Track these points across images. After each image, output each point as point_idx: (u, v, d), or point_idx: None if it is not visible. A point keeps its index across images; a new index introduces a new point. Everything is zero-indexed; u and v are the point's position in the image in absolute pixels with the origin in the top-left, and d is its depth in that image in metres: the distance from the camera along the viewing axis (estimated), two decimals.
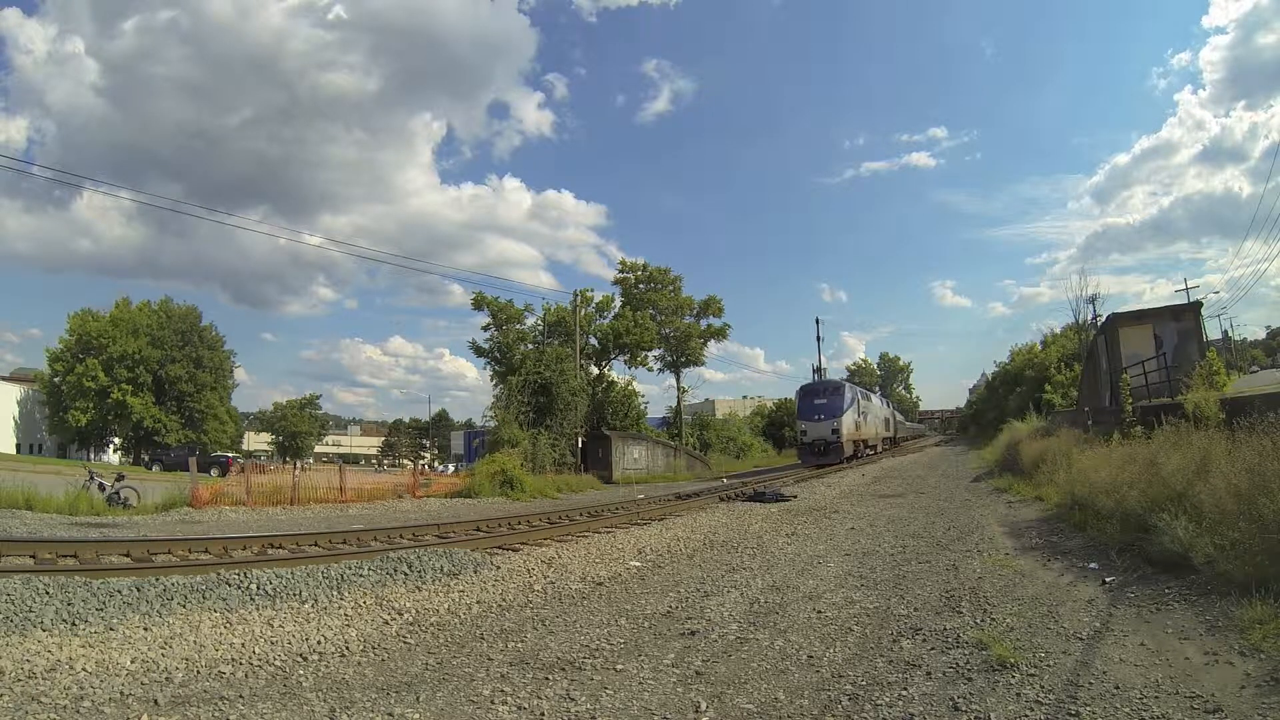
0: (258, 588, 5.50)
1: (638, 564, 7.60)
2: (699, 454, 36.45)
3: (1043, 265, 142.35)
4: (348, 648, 4.59)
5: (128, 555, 7.19)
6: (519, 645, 4.69)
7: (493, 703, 3.61)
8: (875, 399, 37.63)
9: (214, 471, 25.79)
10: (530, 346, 31.86)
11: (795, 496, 14.60)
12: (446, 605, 5.65)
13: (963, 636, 4.49)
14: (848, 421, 26.83)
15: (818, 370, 42.51)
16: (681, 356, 39.24)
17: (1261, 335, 74.43)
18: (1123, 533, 6.84)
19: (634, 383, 37.90)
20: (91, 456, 42.97)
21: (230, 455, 36.79)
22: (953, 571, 6.60)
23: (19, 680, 3.64)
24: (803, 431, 27.32)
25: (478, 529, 10.04)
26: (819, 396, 27.54)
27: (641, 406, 37.75)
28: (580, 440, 26.71)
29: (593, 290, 38.85)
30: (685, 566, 7.45)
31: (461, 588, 6.16)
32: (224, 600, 5.21)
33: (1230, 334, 52.53)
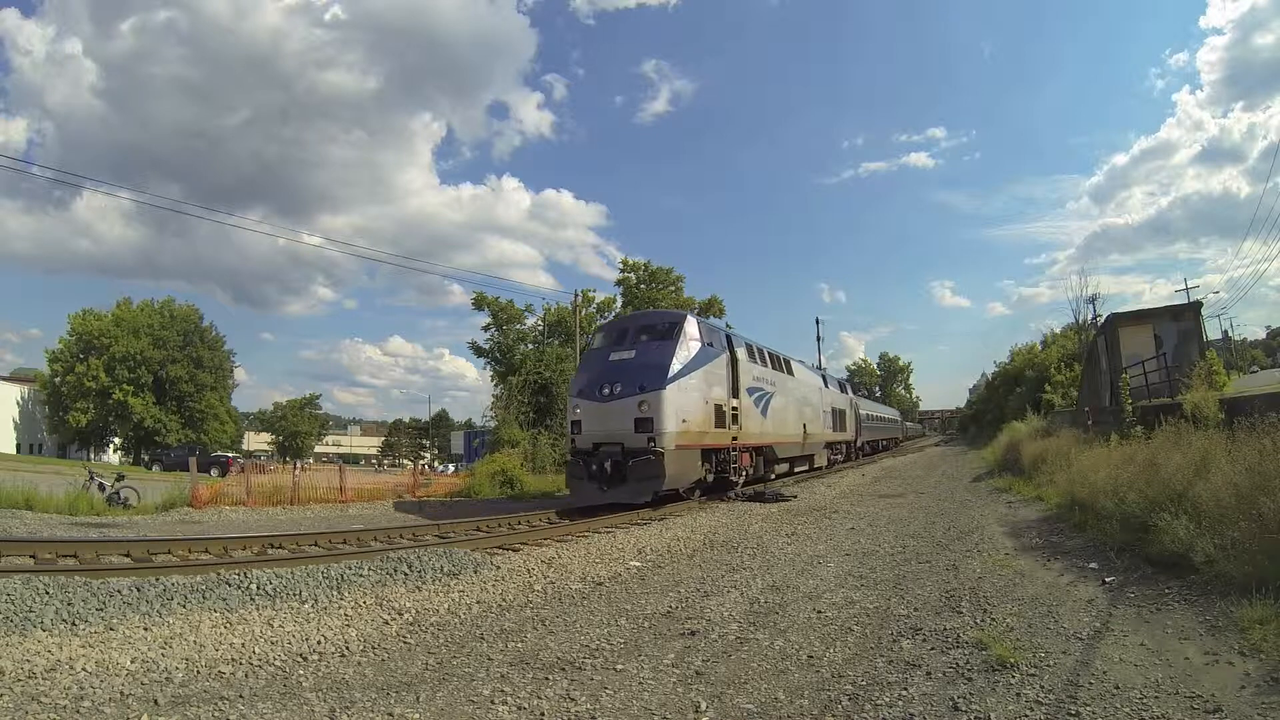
0: (258, 588, 5.50)
1: (638, 564, 7.59)
2: None
3: (1042, 265, 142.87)
4: (348, 648, 4.59)
5: (128, 555, 7.19)
6: (519, 645, 4.69)
7: (493, 703, 3.61)
8: (808, 371, 22.27)
9: (214, 471, 25.79)
10: (530, 346, 31.91)
11: (795, 496, 14.58)
12: (446, 605, 5.65)
13: (963, 636, 4.49)
14: (684, 403, 11.69)
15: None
16: None
17: (1261, 335, 74.42)
18: (1123, 533, 6.85)
19: None
20: (91, 456, 42.99)
21: (230, 455, 36.81)
22: (953, 571, 6.60)
23: (19, 680, 3.63)
24: (574, 423, 12.31)
25: (478, 529, 10.04)
26: (621, 346, 12.61)
27: None
28: None
29: (594, 290, 38.93)
30: (685, 566, 7.44)
31: (461, 588, 6.16)
32: (224, 600, 5.21)
33: (1230, 334, 52.59)
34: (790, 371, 18.92)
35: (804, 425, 19.16)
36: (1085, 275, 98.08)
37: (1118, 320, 19.13)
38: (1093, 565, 6.42)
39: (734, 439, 13.72)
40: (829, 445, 23.12)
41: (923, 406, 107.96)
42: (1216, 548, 5.15)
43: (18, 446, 44.95)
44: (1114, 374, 16.19)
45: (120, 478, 13.39)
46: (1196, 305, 18.84)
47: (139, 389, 42.15)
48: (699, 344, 12.56)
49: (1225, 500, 5.45)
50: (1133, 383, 14.49)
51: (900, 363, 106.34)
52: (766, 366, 16.61)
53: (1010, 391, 44.00)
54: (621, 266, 39.93)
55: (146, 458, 37.98)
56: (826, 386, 24.04)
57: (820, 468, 22.01)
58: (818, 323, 41.95)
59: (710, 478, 13.11)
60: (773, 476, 17.23)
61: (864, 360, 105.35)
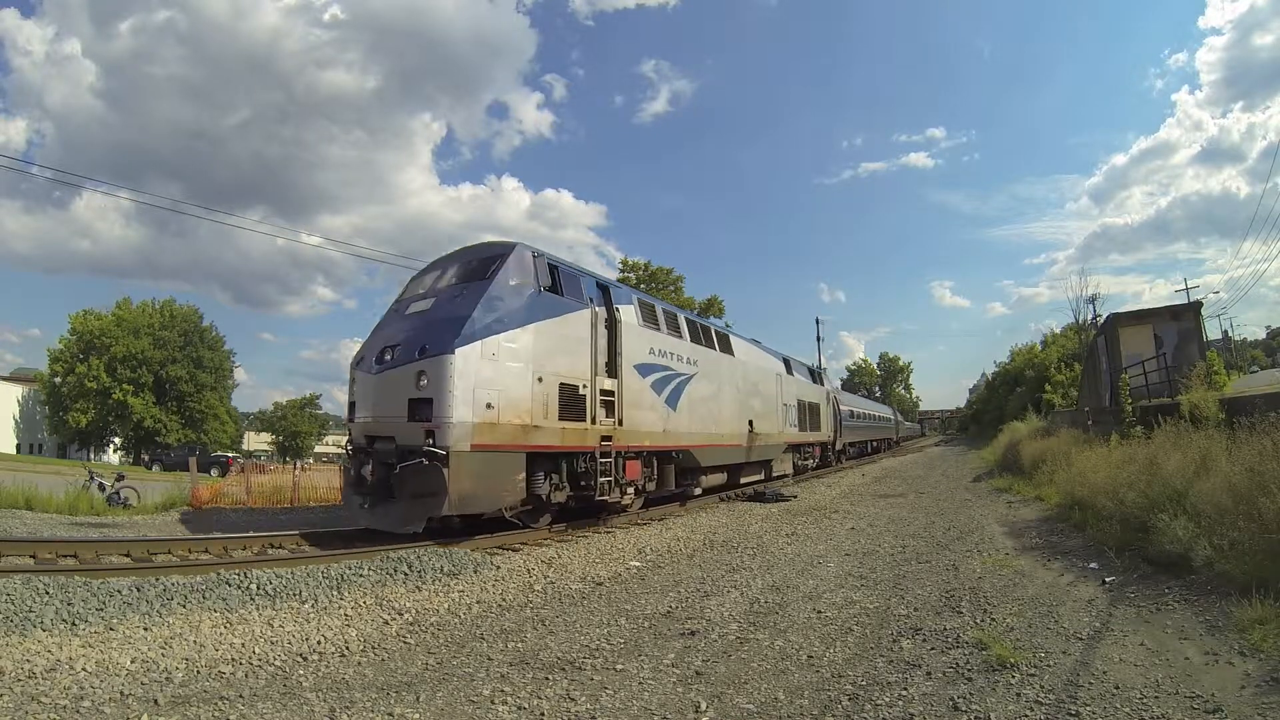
0: (258, 588, 5.50)
1: (638, 564, 7.60)
2: None
3: (1042, 265, 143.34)
4: (348, 648, 4.59)
5: (128, 555, 7.18)
6: (519, 645, 4.69)
7: (493, 703, 3.61)
8: (759, 352, 17.34)
9: (214, 471, 25.79)
10: None
11: (795, 496, 14.60)
12: (446, 605, 5.65)
13: (963, 636, 4.49)
14: (492, 376, 7.76)
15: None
16: None
17: (1261, 335, 74.51)
18: (1122, 533, 6.85)
19: None
20: (91, 456, 43.02)
21: (230, 455, 36.80)
22: (953, 571, 6.60)
23: (19, 680, 3.64)
24: (350, 405, 8.75)
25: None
26: (420, 297, 8.97)
27: None
28: None
29: None
30: (685, 566, 7.45)
31: (461, 588, 6.16)
32: (224, 600, 5.21)
33: (1230, 334, 52.63)
34: (726, 348, 14.63)
35: (749, 421, 14.95)
36: (1085, 275, 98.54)
37: (1118, 320, 19.16)
38: (1093, 565, 6.43)
39: (606, 438, 9.53)
40: (794, 448, 18.82)
41: (923, 406, 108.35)
42: (1216, 548, 5.16)
43: (18, 446, 45.01)
44: (1114, 374, 16.21)
45: (120, 478, 13.37)
46: (1196, 305, 18.87)
47: (139, 389, 42.17)
48: (532, 289, 8.63)
49: (1224, 500, 5.46)
50: (1133, 383, 14.52)
51: (900, 363, 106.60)
52: (680, 337, 12.25)
53: (1010, 391, 44.17)
54: (621, 266, 40.03)
55: (146, 458, 37.97)
56: (791, 373, 19.16)
57: (783, 476, 17.70)
58: (817, 323, 41.95)
59: (560, 496, 8.95)
60: (698, 491, 13.19)
61: (864, 360, 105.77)
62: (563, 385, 8.86)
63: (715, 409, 13.35)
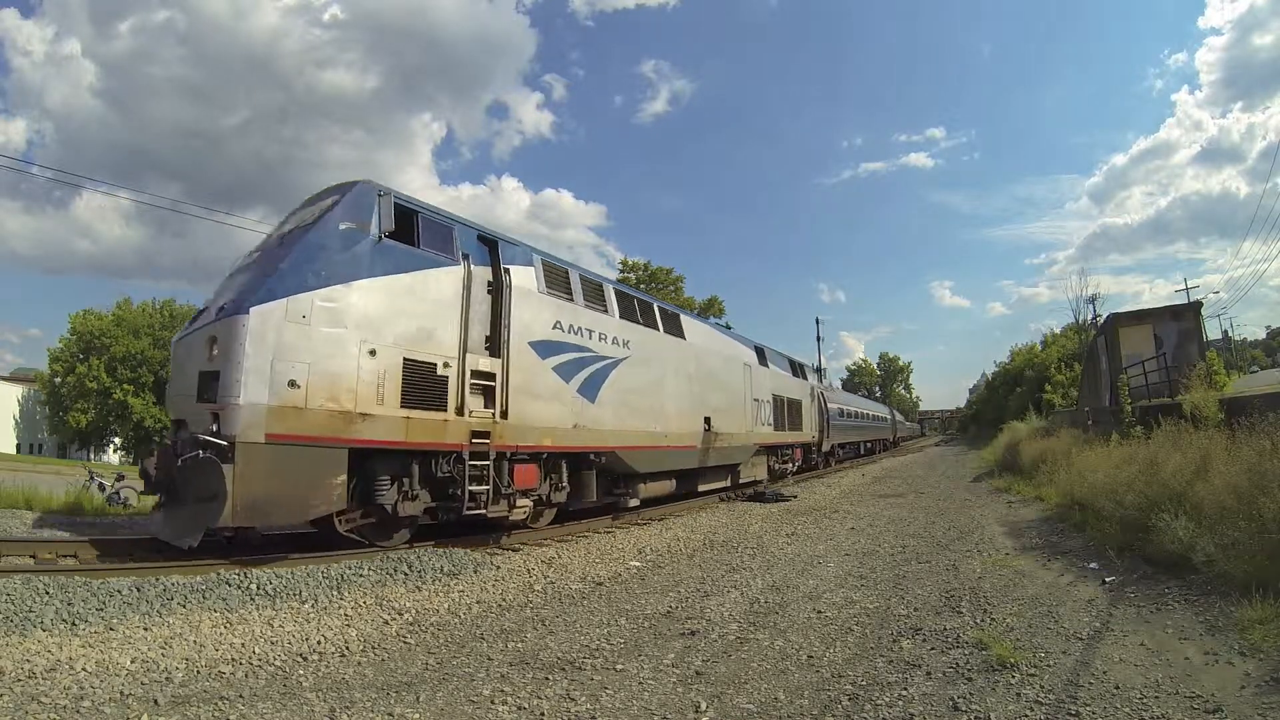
0: (258, 588, 5.50)
1: (638, 564, 7.60)
2: None
3: (1041, 266, 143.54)
4: (348, 648, 4.59)
5: (128, 555, 7.17)
6: (519, 645, 4.69)
7: (493, 703, 3.61)
8: (720, 336, 15.13)
9: None
10: None
11: (795, 497, 14.61)
12: (446, 605, 5.66)
13: (963, 636, 4.49)
14: (302, 345, 5.96)
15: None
16: None
17: (1261, 335, 74.65)
18: (1123, 533, 6.85)
19: None
20: (91, 456, 43.05)
21: None
22: (953, 571, 6.60)
23: (19, 680, 3.63)
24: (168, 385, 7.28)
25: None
26: (253, 252, 7.37)
27: None
28: None
29: None
30: (685, 566, 7.45)
31: (461, 588, 6.17)
32: (224, 600, 5.21)
33: (1230, 334, 52.74)
34: (674, 329, 12.06)
35: (705, 419, 12.53)
36: (1085, 275, 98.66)
37: (1117, 320, 19.17)
38: (1093, 565, 6.43)
39: (480, 434, 7.52)
40: (769, 449, 16.61)
41: (923, 406, 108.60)
42: (1216, 548, 5.16)
43: (18, 446, 45.07)
44: (1114, 374, 16.22)
45: (120, 477, 13.39)
46: (1196, 305, 18.88)
47: (139, 389, 42.20)
48: (370, 236, 6.73)
49: (1225, 500, 5.46)
50: (1132, 383, 14.53)
51: (900, 363, 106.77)
52: (605, 312, 9.99)
53: (1010, 391, 44.22)
54: (621, 266, 40.10)
55: None
56: (764, 364, 16.57)
57: (755, 482, 15.50)
58: (818, 323, 42.00)
59: (413, 508, 7.09)
60: (634, 502, 10.68)
61: (864, 360, 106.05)
62: (410, 362, 6.88)
63: (655, 402, 10.97)
